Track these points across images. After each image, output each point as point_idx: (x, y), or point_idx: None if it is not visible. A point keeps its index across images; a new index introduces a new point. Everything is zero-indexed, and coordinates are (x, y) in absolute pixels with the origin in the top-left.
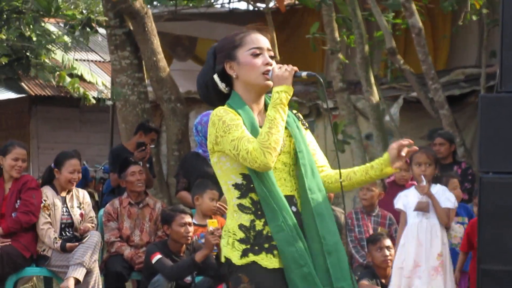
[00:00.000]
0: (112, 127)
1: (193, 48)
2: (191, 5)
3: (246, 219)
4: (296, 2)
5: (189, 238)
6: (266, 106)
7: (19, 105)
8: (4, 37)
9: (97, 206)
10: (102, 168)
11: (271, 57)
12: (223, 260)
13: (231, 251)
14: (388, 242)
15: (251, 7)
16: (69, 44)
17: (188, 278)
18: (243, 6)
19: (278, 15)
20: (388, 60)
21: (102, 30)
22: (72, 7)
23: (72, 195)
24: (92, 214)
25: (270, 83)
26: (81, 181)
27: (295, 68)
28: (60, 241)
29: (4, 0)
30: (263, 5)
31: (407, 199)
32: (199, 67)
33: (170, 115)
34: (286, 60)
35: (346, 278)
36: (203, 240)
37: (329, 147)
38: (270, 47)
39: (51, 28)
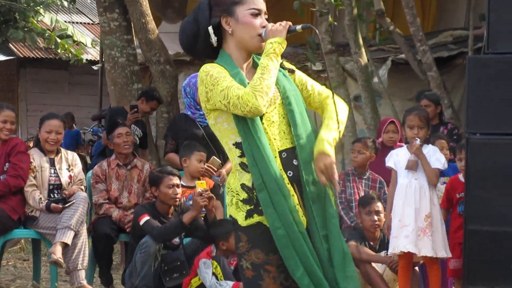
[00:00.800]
0: (101, 89)
1: (184, 10)
2: None
3: (248, 179)
4: None
5: (177, 199)
6: (255, 66)
7: (7, 68)
8: None
9: (86, 169)
10: (91, 130)
11: (267, 20)
12: (227, 216)
13: (236, 212)
14: (378, 206)
15: None
16: (58, 4)
17: (176, 240)
18: None
19: None
20: (377, 22)
21: None
22: None
23: (61, 156)
24: (82, 176)
25: (263, 44)
26: (73, 143)
27: (289, 22)
28: (45, 202)
29: None
30: None
31: (398, 158)
32: None
33: (159, 77)
34: (274, 22)
35: (323, 227)
36: (191, 202)
37: None
38: (265, 10)
39: None
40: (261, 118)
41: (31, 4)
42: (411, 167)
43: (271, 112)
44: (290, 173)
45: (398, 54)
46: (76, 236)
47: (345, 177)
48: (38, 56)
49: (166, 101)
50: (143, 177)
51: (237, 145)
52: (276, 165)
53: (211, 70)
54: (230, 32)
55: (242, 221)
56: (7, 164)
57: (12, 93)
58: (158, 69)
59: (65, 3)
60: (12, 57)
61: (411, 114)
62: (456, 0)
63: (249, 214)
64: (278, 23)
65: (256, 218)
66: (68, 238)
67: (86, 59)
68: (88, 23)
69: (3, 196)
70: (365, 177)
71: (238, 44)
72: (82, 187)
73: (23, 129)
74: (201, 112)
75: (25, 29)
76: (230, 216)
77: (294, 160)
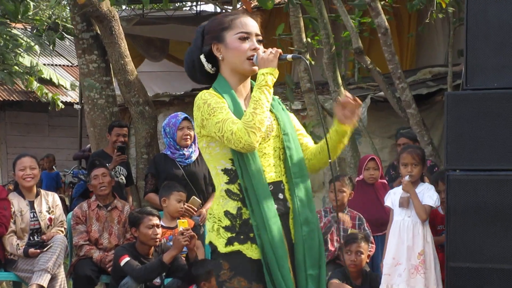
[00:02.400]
0: (81, 131)
1: (166, 48)
2: (158, 8)
3: (233, 206)
4: None
5: (157, 240)
6: (251, 88)
7: None
8: None
9: (67, 211)
10: (72, 172)
11: (260, 41)
12: (207, 242)
13: (216, 238)
14: (360, 246)
15: (218, 9)
16: (36, 48)
17: (157, 280)
18: (210, 8)
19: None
20: (355, 60)
21: (69, 36)
22: (39, 12)
23: (40, 198)
24: (62, 218)
25: (255, 68)
26: (52, 185)
27: (280, 50)
28: (23, 247)
29: None
30: (230, 7)
31: (394, 197)
32: (174, 66)
33: (138, 118)
34: None
35: (314, 266)
36: (171, 243)
37: None
38: (258, 32)
39: (18, 33)
40: None
41: (10, 46)
42: (402, 203)
43: (264, 143)
44: (275, 206)
45: (377, 91)
46: (53, 279)
47: (323, 213)
48: (17, 99)
49: (145, 142)
50: (123, 218)
51: (226, 171)
52: (269, 196)
53: (209, 99)
54: (221, 58)
55: (221, 248)
56: None
57: None
58: (138, 110)
59: (45, 46)
60: None
61: (405, 152)
62: (434, 37)
63: (229, 242)
64: (269, 50)
65: (236, 246)
66: (44, 280)
67: (65, 102)
68: (67, 65)
69: None
70: (344, 214)
71: (231, 69)
72: (63, 229)
73: (4, 172)
74: (181, 152)
75: (5, 71)
76: (210, 242)
77: (280, 194)
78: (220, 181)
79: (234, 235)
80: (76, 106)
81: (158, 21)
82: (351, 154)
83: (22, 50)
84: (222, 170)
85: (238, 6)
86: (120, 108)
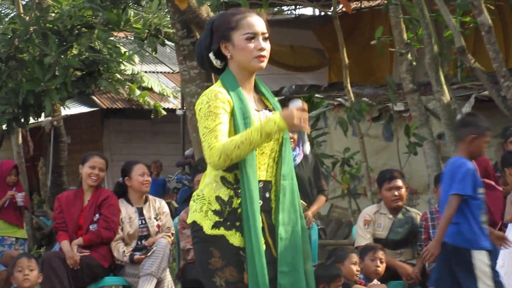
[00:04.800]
0: (184, 137)
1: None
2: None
3: (225, 193)
4: (363, 6)
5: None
6: (256, 86)
7: (92, 119)
8: (75, 52)
9: (172, 216)
10: (176, 178)
11: (265, 39)
12: (189, 221)
13: (203, 219)
14: None
15: (317, 12)
16: (135, 57)
17: None
18: (309, 11)
19: (346, 19)
20: (458, 59)
21: (170, 42)
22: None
23: (149, 205)
24: (170, 224)
25: (262, 65)
26: (159, 191)
27: (307, 127)
28: (129, 254)
29: (75, 16)
30: (330, 10)
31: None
32: (274, 69)
33: None
34: (355, 64)
35: (287, 264)
36: None
37: (401, 149)
38: (265, 30)
39: (119, 41)
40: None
41: (114, 55)
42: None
43: (266, 143)
44: (260, 203)
45: (481, 91)
46: (159, 283)
47: (429, 215)
48: (120, 106)
49: None
50: None
51: None
52: (257, 191)
53: (212, 101)
54: (229, 57)
55: (207, 229)
56: (97, 214)
57: (97, 144)
58: None
59: (146, 53)
60: (96, 109)
61: None
62: None
63: (216, 225)
64: (305, 116)
65: (221, 231)
66: (151, 285)
67: (167, 108)
68: (168, 72)
69: (94, 245)
70: None
71: (239, 66)
72: (170, 234)
73: (108, 179)
74: (294, 153)
75: (109, 80)
76: (194, 222)
77: (267, 193)
78: None
79: (221, 220)
80: (178, 112)
81: None
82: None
83: (123, 59)
84: None
85: (338, 8)
86: None
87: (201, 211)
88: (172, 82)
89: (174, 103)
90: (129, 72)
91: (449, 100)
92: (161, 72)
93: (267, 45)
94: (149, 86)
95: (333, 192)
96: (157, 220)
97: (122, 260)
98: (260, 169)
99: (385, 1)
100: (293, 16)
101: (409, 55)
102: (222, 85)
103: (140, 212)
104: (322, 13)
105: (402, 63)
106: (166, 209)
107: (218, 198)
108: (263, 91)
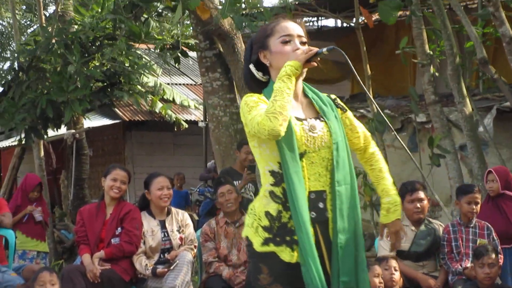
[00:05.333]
0: (206, 149)
1: None
2: None
3: (274, 208)
4: None
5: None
6: (305, 94)
7: (114, 131)
8: (97, 63)
9: (195, 228)
10: (198, 190)
11: (303, 43)
12: (243, 235)
13: (254, 235)
14: (491, 258)
15: (339, 24)
16: (155, 68)
17: None
18: (331, 23)
19: (369, 30)
20: (480, 70)
21: (192, 54)
22: (163, 31)
23: (171, 217)
24: (192, 236)
25: (303, 70)
26: (181, 203)
27: (313, 48)
28: (151, 268)
29: (97, 28)
30: (352, 22)
31: None
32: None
33: None
34: (377, 75)
35: (348, 273)
36: None
37: (423, 160)
38: (301, 33)
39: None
40: (302, 157)
41: (135, 67)
42: None
43: (313, 153)
44: (313, 214)
45: (503, 102)
46: None
47: (450, 228)
48: (142, 119)
49: None
50: None
51: (273, 173)
52: (305, 203)
53: (248, 100)
54: (268, 64)
55: (257, 246)
56: (119, 228)
57: (119, 156)
58: None
59: (168, 65)
60: (118, 121)
61: None
62: None
63: (265, 242)
64: (301, 49)
65: (271, 247)
66: None
67: (189, 120)
68: (190, 84)
69: (115, 259)
70: (471, 225)
71: (279, 72)
72: (193, 247)
73: (131, 192)
74: None
75: (130, 91)
76: (246, 237)
77: (320, 203)
78: (266, 181)
79: (271, 236)
80: (200, 124)
81: None
82: (478, 165)
83: (146, 71)
84: (269, 171)
85: (361, 20)
86: None
87: (252, 227)
88: (195, 93)
89: (196, 115)
90: (151, 84)
91: (471, 112)
92: (183, 84)
93: (300, 47)
94: (171, 98)
95: None
96: (179, 233)
97: (144, 274)
98: (310, 180)
99: (408, 13)
100: (315, 27)
101: (431, 66)
102: (263, 95)
103: (163, 225)
104: (345, 24)
105: (424, 74)
106: (189, 221)
107: (267, 214)
108: (311, 96)
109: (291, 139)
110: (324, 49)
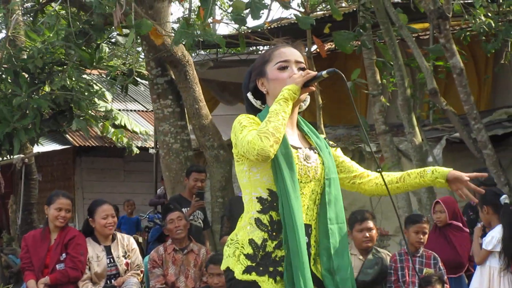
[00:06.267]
0: (156, 175)
1: (240, 93)
2: (232, 52)
3: (259, 236)
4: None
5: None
6: (299, 126)
7: (64, 156)
8: (47, 90)
9: (143, 255)
10: (147, 217)
11: (302, 69)
12: (223, 268)
13: (235, 264)
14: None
15: None
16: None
17: None
18: None
19: (321, 60)
20: (430, 101)
21: (144, 80)
22: (113, 58)
23: (117, 243)
24: (139, 261)
25: (301, 96)
26: (132, 230)
27: (311, 72)
28: None
29: (47, 53)
30: (305, 51)
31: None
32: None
33: (213, 162)
34: (330, 104)
35: None
36: None
37: None
38: (299, 59)
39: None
40: None
41: (86, 94)
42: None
43: (305, 183)
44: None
45: (453, 132)
46: None
47: (397, 257)
48: (93, 144)
49: (220, 186)
50: (199, 262)
51: (261, 200)
52: (303, 232)
53: (242, 118)
54: (265, 92)
55: (238, 274)
56: (63, 254)
57: (69, 182)
58: (212, 154)
59: (117, 92)
60: (68, 146)
61: None
62: (511, 77)
63: (247, 270)
64: (299, 73)
65: (253, 276)
66: None
67: (140, 147)
68: (142, 111)
69: (61, 285)
70: (418, 255)
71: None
72: (139, 272)
73: (80, 217)
74: None
75: (80, 118)
76: (227, 268)
77: (306, 238)
78: (252, 208)
79: (253, 264)
80: (151, 151)
81: (232, 64)
82: (427, 195)
83: (95, 97)
84: (256, 197)
85: (313, 49)
86: (195, 152)
87: (233, 256)
88: (146, 120)
89: (147, 141)
90: (102, 110)
91: (420, 142)
92: (134, 110)
93: (296, 71)
94: (122, 124)
95: None
96: (125, 258)
97: None
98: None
99: (359, 43)
100: None
101: (382, 97)
102: (258, 118)
103: (108, 250)
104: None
105: (375, 104)
106: (135, 245)
107: (251, 241)
108: (305, 129)
109: (292, 163)
110: (324, 72)
